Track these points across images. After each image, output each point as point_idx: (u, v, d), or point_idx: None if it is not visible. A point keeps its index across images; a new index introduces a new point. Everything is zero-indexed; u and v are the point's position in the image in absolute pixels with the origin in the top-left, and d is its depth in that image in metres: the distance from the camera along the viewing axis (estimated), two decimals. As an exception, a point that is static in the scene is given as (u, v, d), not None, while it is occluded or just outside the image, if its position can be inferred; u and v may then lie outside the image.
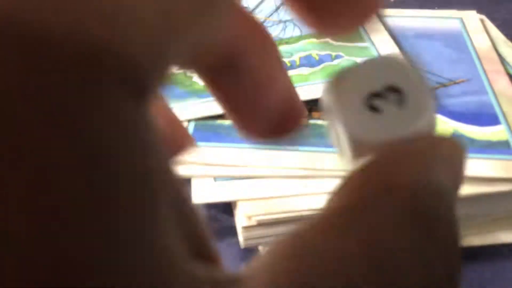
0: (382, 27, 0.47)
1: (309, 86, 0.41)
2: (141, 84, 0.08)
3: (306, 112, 0.11)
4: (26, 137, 0.07)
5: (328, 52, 0.44)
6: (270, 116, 0.12)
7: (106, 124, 0.07)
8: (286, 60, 0.44)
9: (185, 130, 0.14)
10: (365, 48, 0.45)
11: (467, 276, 0.33)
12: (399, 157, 0.11)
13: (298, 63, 0.44)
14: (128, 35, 0.08)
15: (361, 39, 0.45)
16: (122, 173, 0.07)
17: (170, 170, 0.09)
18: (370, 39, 0.46)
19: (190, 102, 0.40)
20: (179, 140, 0.13)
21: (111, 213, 0.07)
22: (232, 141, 0.37)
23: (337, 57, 0.44)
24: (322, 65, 0.43)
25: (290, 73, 0.42)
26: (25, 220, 0.07)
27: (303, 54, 0.45)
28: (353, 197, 0.10)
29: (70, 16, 0.07)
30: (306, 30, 0.44)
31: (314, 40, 0.46)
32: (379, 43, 0.45)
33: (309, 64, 0.43)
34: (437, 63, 0.44)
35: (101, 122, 0.07)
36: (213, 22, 0.09)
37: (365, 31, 0.46)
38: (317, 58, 0.44)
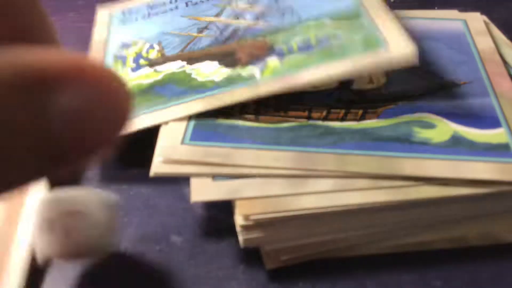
0: (380, 2, 0.45)
1: (307, 71, 0.40)
2: None
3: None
4: None
5: (325, 33, 0.43)
6: None
7: None
8: (283, 46, 0.43)
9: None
10: (364, 24, 0.43)
11: (467, 276, 0.33)
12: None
13: (295, 48, 0.43)
14: None
15: (359, 17, 0.44)
16: None
17: None
18: (369, 15, 0.43)
19: (189, 98, 0.41)
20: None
21: None
22: (232, 140, 0.37)
23: (335, 37, 0.42)
24: (320, 48, 0.42)
25: (288, 59, 0.41)
26: None
27: (300, 38, 0.43)
28: None
29: None
30: (305, 16, 0.43)
31: (311, 23, 0.44)
32: (377, 18, 0.43)
33: (307, 47, 0.42)
34: (439, 65, 0.44)
35: None
36: None
37: (365, 8, 0.45)
38: (314, 41, 0.43)
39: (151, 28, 0.50)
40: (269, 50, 0.43)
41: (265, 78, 0.40)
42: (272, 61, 0.42)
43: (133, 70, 0.45)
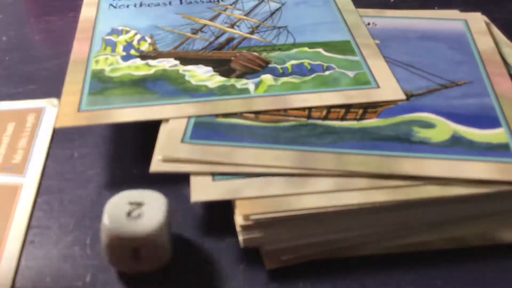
0: (372, 42, 0.47)
1: (300, 95, 0.41)
2: None
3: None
4: None
5: (320, 62, 0.45)
6: None
7: None
8: (278, 66, 0.44)
9: None
10: (356, 61, 0.45)
11: (467, 276, 0.33)
12: None
13: (290, 70, 0.44)
14: None
15: (352, 53, 0.46)
16: None
17: None
18: (361, 53, 0.46)
19: (182, 100, 0.41)
20: None
21: None
22: (232, 139, 0.37)
23: (328, 68, 0.44)
24: (313, 75, 0.43)
25: (282, 80, 0.42)
26: None
27: (295, 62, 0.45)
28: None
29: None
30: (300, 38, 0.45)
31: (306, 49, 0.46)
32: (369, 57, 0.45)
33: (301, 72, 0.43)
34: (439, 65, 0.44)
35: None
36: None
37: (357, 45, 0.47)
38: (309, 67, 0.44)
39: (142, 19, 0.51)
40: (264, 66, 0.44)
41: (259, 95, 0.41)
42: (267, 79, 0.43)
43: (124, 59, 0.45)
